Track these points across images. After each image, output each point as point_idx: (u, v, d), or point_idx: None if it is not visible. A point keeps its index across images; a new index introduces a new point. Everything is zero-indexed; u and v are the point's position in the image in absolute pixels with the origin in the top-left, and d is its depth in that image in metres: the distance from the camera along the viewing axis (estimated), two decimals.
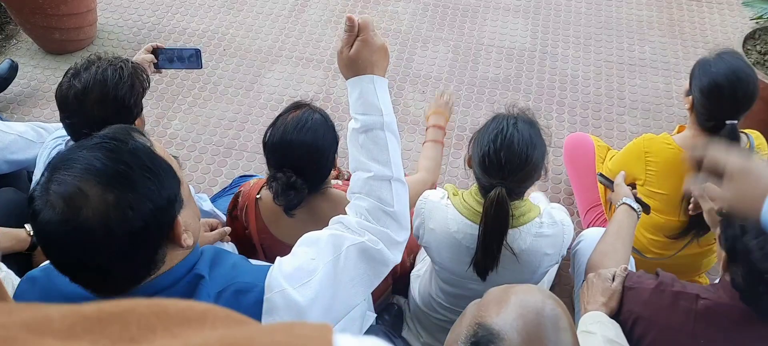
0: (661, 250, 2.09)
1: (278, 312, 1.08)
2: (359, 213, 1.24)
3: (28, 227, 1.65)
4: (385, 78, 1.25)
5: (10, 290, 1.31)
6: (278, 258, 1.16)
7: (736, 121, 1.83)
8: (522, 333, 0.94)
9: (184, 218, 1.03)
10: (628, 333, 1.40)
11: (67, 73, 1.71)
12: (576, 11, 3.66)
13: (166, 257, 1.03)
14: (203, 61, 2.14)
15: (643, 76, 3.26)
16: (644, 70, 3.30)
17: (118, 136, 0.98)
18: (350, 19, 1.19)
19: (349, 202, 1.32)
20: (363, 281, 1.18)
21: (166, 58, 2.08)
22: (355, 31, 1.20)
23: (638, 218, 1.82)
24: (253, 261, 1.31)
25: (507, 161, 1.52)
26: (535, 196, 2.25)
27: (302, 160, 1.64)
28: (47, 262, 1.14)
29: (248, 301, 1.07)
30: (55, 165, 0.95)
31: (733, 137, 1.83)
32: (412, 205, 2.04)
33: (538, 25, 3.57)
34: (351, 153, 1.28)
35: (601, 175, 2.11)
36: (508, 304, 0.98)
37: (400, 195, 1.24)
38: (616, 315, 1.45)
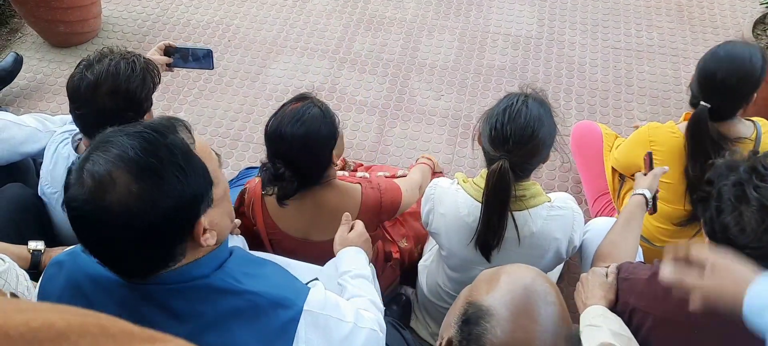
0: (668, 238, 2.07)
1: (316, 331, 1.13)
2: (371, 318, 1.34)
3: (31, 244, 1.65)
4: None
5: (14, 282, 1.32)
6: (320, 285, 1.23)
7: (709, 105, 1.83)
8: (510, 307, 0.96)
9: (211, 217, 1.05)
10: (626, 324, 1.40)
11: (79, 64, 1.72)
12: None
13: (186, 252, 1.04)
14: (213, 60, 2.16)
15: (651, 63, 3.23)
16: (652, 56, 3.27)
17: (160, 129, 0.99)
18: (349, 218, 1.63)
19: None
20: None
21: (179, 57, 2.09)
22: (350, 225, 1.63)
23: (647, 197, 1.80)
24: (288, 261, 1.43)
25: (513, 133, 1.53)
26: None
27: (293, 152, 1.65)
28: (73, 246, 1.17)
29: (285, 317, 1.11)
30: (97, 144, 0.98)
31: (702, 119, 1.83)
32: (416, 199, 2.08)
33: (544, 12, 3.54)
34: (346, 288, 1.49)
35: (650, 155, 2.05)
36: (498, 282, 1.01)
37: (383, 323, 1.40)
38: (613, 307, 1.45)
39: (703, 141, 1.87)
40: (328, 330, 1.16)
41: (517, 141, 1.53)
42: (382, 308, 1.48)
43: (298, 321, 1.11)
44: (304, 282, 1.22)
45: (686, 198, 1.97)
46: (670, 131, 1.99)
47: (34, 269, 1.59)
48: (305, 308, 1.13)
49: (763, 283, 1.07)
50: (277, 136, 1.65)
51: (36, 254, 1.60)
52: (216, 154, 1.12)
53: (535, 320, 0.95)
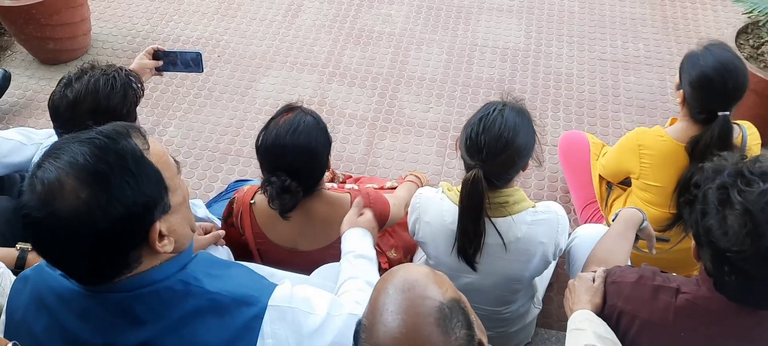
0: (657, 245, 2.09)
1: (283, 325, 1.12)
2: (355, 300, 1.34)
3: (19, 244, 1.64)
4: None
5: (7, 290, 1.32)
6: (287, 282, 1.20)
7: (728, 113, 1.84)
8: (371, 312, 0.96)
9: (169, 223, 1.04)
10: (613, 328, 1.40)
11: (59, 82, 1.72)
12: (569, 10, 3.67)
13: (142, 259, 1.04)
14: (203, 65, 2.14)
15: (637, 73, 3.26)
16: (638, 67, 3.30)
17: (112, 135, 0.99)
18: (361, 203, 1.70)
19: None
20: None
21: (169, 61, 2.08)
22: (361, 211, 1.68)
23: (644, 220, 1.80)
24: (250, 265, 1.34)
25: (486, 144, 1.54)
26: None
27: (296, 163, 1.64)
28: (40, 262, 1.16)
29: (248, 314, 1.10)
30: (49, 151, 0.98)
31: (726, 128, 1.84)
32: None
33: (531, 25, 3.58)
34: (345, 268, 1.52)
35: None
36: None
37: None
38: (600, 311, 1.45)
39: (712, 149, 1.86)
40: (296, 323, 1.14)
41: (490, 150, 1.55)
42: None
43: (263, 317, 1.10)
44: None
45: (673, 201, 1.99)
46: (658, 135, 2.01)
47: (19, 268, 1.60)
48: (270, 303, 1.12)
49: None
50: (277, 148, 1.64)
51: (23, 252, 1.60)
52: (175, 161, 1.11)
53: (390, 312, 0.94)
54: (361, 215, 1.67)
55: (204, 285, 1.08)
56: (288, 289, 1.18)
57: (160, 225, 1.02)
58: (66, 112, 1.66)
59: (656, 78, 3.23)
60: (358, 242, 1.57)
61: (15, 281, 1.17)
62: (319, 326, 1.17)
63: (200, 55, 2.09)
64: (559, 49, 3.42)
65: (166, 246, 1.04)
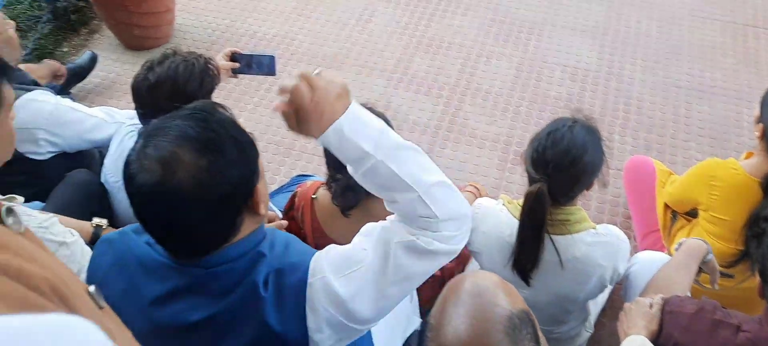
0: (720, 281, 2.02)
1: (319, 299, 1.10)
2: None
3: (95, 220, 1.74)
4: (351, 107, 1.11)
5: (80, 256, 1.40)
6: (330, 245, 1.19)
7: None
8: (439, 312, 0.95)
9: (260, 187, 1.09)
10: None
11: (143, 65, 1.82)
12: (646, 34, 3.59)
13: (242, 224, 1.08)
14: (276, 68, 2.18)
15: (711, 103, 3.16)
16: (714, 96, 3.20)
17: (207, 109, 1.05)
18: (283, 89, 1.09)
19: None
20: (413, 275, 1.14)
21: (245, 63, 2.14)
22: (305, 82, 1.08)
23: (709, 253, 1.74)
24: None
25: (553, 159, 1.53)
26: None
27: None
28: (125, 227, 1.22)
29: (291, 281, 1.09)
30: (150, 132, 1.02)
31: None
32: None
33: (604, 46, 3.52)
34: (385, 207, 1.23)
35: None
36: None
37: (438, 199, 1.12)
38: (655, 339, 1.42)
39: None
40: (330, 292, 1.09)
41: (557, 165, 1.54)
42: (436, 179, 1.13)
43: (305, 284, 1.09)
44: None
45: (741, 237, 1.92)
46: (732, 168, 1.96)
47: (92, 243, 1.69)
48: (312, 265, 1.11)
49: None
50: None
51: (97, 230, 1.70)
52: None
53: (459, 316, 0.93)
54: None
55: (267, 261, 1.11)
56: (319, 257, 1.13)
57: (259, 187, 1.08)
58: (146, 94, 1.77)
59: (732, 109, 3.12)
60: (357, 134, 1.10)
61: (99, 242, 1.23)
62: (356, 289, 1.11)
63: (274, 58, 2.14)
64: (632, 72, 3.35)
65: (263, 208, 1.09)
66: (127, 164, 1.01)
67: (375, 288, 1.11)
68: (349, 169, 1.14)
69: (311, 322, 1.09)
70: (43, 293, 0.51)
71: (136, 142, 1.02)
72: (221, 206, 1.02)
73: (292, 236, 1.23)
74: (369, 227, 1.21)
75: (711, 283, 1.77)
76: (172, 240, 1.06)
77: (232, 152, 1.02)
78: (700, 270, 1.73)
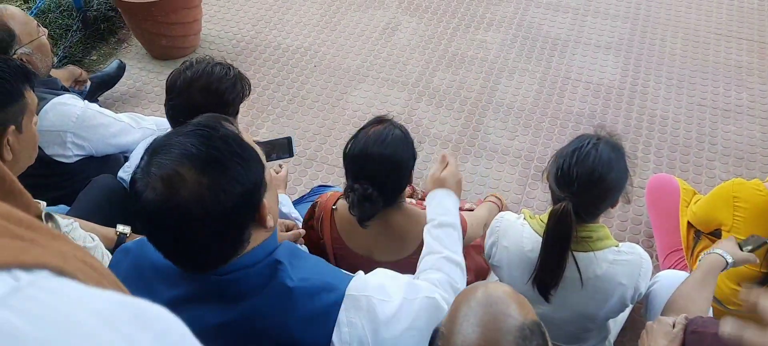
0: (742, 302, 1.98)
1: (358, 313, 1.14)
2: (431, 282, 1.34)
3: (119, 227, 1.77)
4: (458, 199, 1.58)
5: (99, 259, 1.42)
6: (361, 272, 1.24)
7: None
8: (451, 321, 0.98)
9: (267, 200, 1.10)
10: None
11: (182, 63, 1.88)
12: (671, 52, 3.57)
13: (251, 237, 1.09)
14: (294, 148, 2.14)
15: (737, 123, 3.12)
16: (740, 116, 3.16)
17: (210, 124, 1.06)
18: (444, 157, 1.63)
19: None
20: (421, 334, 1.21)
21: (266, 151, 2.08)
22: (445, 163, 1.62)
23: (729, 263, 1.72)
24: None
25: (578, 177, 1.52)
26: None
27: (380, 172, 1.69)
28: (141, 237, 1.24)
29: (328, 300, 1.14)
30: (154, 149, 1.03)
31: None
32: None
33: (629, 63, 3.50)
34: (426, 241, 1.51)
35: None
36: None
37: (463, 279, 1.44)
38: None
39: None
40: (371, 311, 1.16)
41: (582, 184, 1.53)
42: (461, 261, 1.47)
43: (340, 304, 1.13)
44: None
45: (764, 259, 1.89)
46: (756, 189, 1.93)
47: (117, 247, 1.71)
48: (347, 292, 1.15)
49: None
50: (364, 156, 1.68)
51: (121, 237, 1.72)
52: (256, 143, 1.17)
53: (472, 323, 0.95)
54: (445, 167, 1.61)
55: (288, 271, 1.13)
56: (362, 278, 1.21)
57: (265, 201, 1.09)
58: (181, 86, 1.82)
59: (758, 130, 3.08)
60: (439, 206, 1.53)
61: (116, 252, 1.25)
62: (394, 312, 1.18)
63: (290, 139, 2.09)
64: (656, 90, 3.33)
65: (270, 221, 1.09)
66: (133, 182, 1.02)
67: (402, 326, 1.19)
68: (432, 221, 1.52)
69: (336, 338, 1.13)
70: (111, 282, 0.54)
71: (142, 159, 1.04)
72: (226, 222, 1.02)
73: (319, 258, 1.27)
74: (390, 272, 1.33)
75: (751, 262, 1.75)
76: (179, 255, 1.07)
77: (235, 168, 1.02)
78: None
